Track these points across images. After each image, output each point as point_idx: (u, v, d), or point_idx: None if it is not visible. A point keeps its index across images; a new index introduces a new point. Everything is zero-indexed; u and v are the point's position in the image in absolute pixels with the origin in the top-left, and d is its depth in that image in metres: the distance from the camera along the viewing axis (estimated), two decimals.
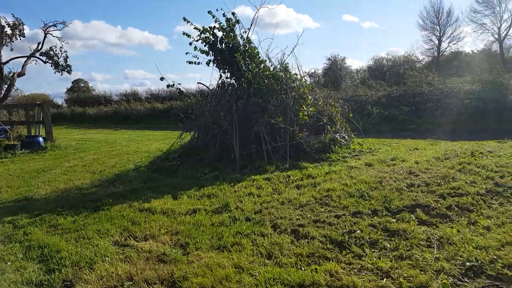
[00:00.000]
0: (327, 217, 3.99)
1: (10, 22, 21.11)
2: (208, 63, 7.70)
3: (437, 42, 39.40)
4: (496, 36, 37.34)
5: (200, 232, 3.89)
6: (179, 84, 7.58)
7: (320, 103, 8.30)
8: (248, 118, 6.92)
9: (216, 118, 7.26)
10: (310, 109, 7.62)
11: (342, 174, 5.73)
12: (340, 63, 41.29)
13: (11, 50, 23.25)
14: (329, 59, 41.67)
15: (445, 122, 12.32)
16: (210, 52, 7.62)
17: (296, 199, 4.72)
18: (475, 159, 6.01)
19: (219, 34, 7.53)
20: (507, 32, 36.17)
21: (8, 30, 21.17)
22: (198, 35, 7.48)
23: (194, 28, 7.48)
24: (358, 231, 3.58)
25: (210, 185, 5.83)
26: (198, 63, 7.67)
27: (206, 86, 8.25)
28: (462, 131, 11.24)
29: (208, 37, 7.51)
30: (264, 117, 6.85)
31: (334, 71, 39.85)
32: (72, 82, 57.61)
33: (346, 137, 7.77)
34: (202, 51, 7.59)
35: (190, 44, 7.49)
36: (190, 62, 7.65)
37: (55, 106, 41.36)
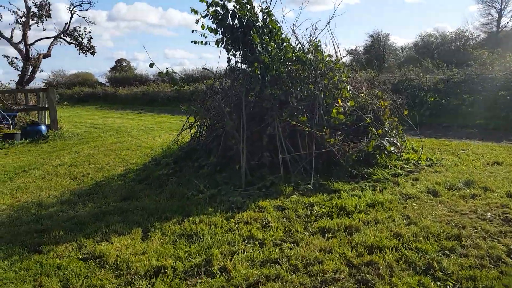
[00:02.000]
0: None
1: (37, 2, 20.43)
2: (217, 43, 6.04)
3: (496, 15, 34.92)
4: None
5: None
6: (168, 67, 5.94)
7: (362, 94, 6.40)
8: (261, 117, 5.23)
9: (218, 115, 5.63)
10: (348, 103, 5.76)
11: (393, 211, 3.92)
12: (383, 40, 37.95)
13: (43, 31, 22.72)
14: (371, 35, 38.49)
15: None
16: (219, 29, 5.94)
17: (318, 263, 3.02)
18: None
19: (231, 7, 5.83)
20: None
21: (35, 11, 20.52)
22: (206, 9, 5.82)
23: (200, 1, 5.81)
24: None
25: (199, 213, 4.27)
26: (206, 43, 6.02)
27: (212, 72, 6.61)
28: None
29: (216, 10, 5.83)
30: (282, 115, 5.10)
31: (377, 49, 36.67)
32: (115, 62, 58.27)
33: (397, 142, 5.84)
34: (210, 29, 5.94)
35: (197, 22, 5.86)
36: (195, 42, 6.03)
37: (92, 85, 41.67)
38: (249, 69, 5.63)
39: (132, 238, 3.76)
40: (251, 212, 4.21)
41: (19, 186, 5.78)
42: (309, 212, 4.09)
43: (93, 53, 22.55)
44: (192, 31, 5.98)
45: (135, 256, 3.34)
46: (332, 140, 5.16)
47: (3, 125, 9.94)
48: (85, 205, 4.81)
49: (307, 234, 3.58)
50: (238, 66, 5.91)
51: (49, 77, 24.22)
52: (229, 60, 5.97)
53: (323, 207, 4.18)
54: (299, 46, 6.03)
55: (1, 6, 19.13)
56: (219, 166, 5.35)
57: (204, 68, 7.09)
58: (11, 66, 18.74)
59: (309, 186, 4.70)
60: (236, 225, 3.89)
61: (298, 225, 3.78)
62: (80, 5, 21.73)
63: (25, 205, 4.86)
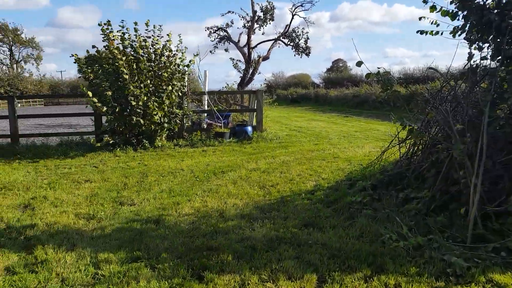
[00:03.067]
0: None
1: (263, 6, 22.64)
2: (454, 33, 4.57)
3: None
4: None
5: None
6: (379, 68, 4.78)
7: None
8: None
9: (443, 132, 4.14)
10: None
11: None
12: None
13: (262, 34, 25.31)
14: None
15: None
16: (459, 12, 4.47)
17: None
18: None
19: None
20: None
21: (260, 15, 22.85)
22: None
23: None
24: None
25: (395, 271, 3.11)
26: (436, 32, 4.68)
27: (439, 72, 5.08)
28: None
29: None
30: None
31: None
32: (332, 62, 60.55)
33: None
34: (445, 12, 4.56)
35: (425, 1, 4.63)
36: (421, 32, 4.81)
37: (306, 86, 44.27)
38: (503, 68, 3.92)
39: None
40: None
41: (211, 188, 5.91)
42: None
43: (308, 54, 23.35)
44: (420, 18, 4.72)
45: None
46: None
47: (215, 124, 11.04)
48: (263, 224, 4.34)
49: None
50: (484, 64, 4.26)
51: (265, 79, 26.58)
52: (470, 56, 4.37)
53: None
54: None
55: (232, 12, 21.67)
56: (434, 204, 3.93)
57: (430, 68, 5.64)
58: (235, 68, 21.40)
59: None
60: None
61: None
62: (301, 5, 22.85)
63: (209, 213, 4.79)
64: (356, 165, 6.92)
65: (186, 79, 10.34)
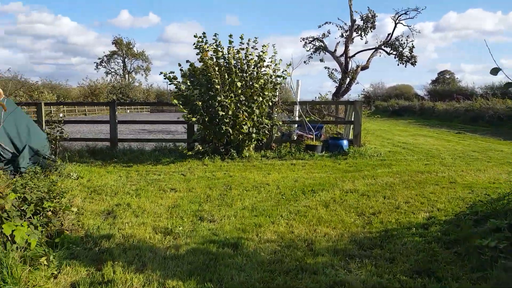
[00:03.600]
0: None
1: (364, 15, 21.47)
2: None
3: None
4: None
5: None
6: None
7: None
8: None
9: None
10: None
11: None
12: None
13: (365, 43, 23.91)
14: None
15: None
16: None
17: None
18: None
19: None
20: None
21: (360, 23, 21.68)
22: None
23: None
24: None
25: None
26: None
27: None
28: None
29: None
30: None
31: None
32: (438, 74, 55.99)
33: None
34: None
35: None
36: None
37: (409, 98, 41.19)
38: None
39: None
40: None
41: (299, 210, 5.23)
42: None
43: (413, 64, 21.43)
44: None
45: None
46: None
47: (306, 136, 10.32)
48: (362, 264, 3.52)
49: None
50: None
51: (363, 89, 24.99)
52: None
53: None
54: None
55: (330, 22, 20.87)
56: None
57: None
58: (330, 78, 20.45)
59: None
60: None
61: None
62: (405, 13, 21.11)
63: (294, 242, 4.12)
64: (480, 195, 5.61)
65: (277, 90, 9.89)
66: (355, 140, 10.19)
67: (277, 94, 9.97)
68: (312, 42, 22.18)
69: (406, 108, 36.48)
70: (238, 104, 8.95)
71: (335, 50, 20.98)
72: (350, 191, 6.21)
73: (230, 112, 8.66)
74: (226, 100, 8.68)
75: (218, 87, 8.64)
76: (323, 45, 21.93)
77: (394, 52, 21.27)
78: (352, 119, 10.39)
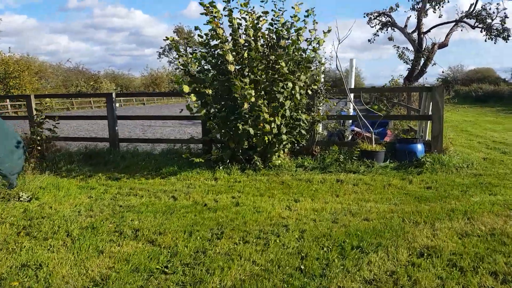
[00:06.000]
0: None
1: None
2: None
3: None
4: None
5: None
6: None
7: None
8: None
9: None
10: None
11: None
12: None
13: (439, 17, 19.92)
14: None
15: None
16: None
17: None
18: None
19: None
20: None
21: None
22: None
23: None
24: None
25: None
26: None
27: None
28: None
29: None
30: None
31: None
32: None
33: None
34: None
35: None
36: None
37: (494, 82, 35.43)
38: None
39: None
40: None
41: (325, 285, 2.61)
42: None
43: (506, 38, 17.04)
44: None
45: None
46: None
47: (364, 135, 7.40)
48: None
49: None
50: None
51: (442, 71, 20.68)
52: None
53: None
54: None
55: None
56: None
57: None
58: (400, 59, 16.85)
59: None
60: None
61: None
62: None
63: None
64: None
65: (319, 70, 7.12)
66: (434, 143, 7.12)
67: (320, 79, 7.20)
68: (378, 18, 18.58)
69: (491, 93, 31.31)
70: (260, 94, 6.36)
71: (406, 25, 17.28)
72: (428, 253, 3.42)
73: (245, 106, 6.08)
74: (246, 89, 6.10)
75: (232, 68, 6.10)
76: (390, 20, 18.27)
77: (480, 25, 16.97)
78: (430, 113, 7.31)
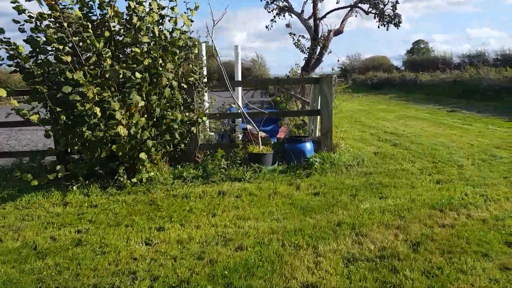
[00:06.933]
0: None
1: None
2: None
3: None
4: None
5: None
6: None
7: None
8: None
9: None
10: None
11: None
12: None
13: (337, 3, 20.13)
14: None
15: None
16: None
17: None
18: None
19: None
20: None
21: None
22: None
23: None
24: None
25: None
26: None
27: None
28: None
29: None
30: None
31: None
32: (412, 44, 53.59)
33: None
34: None
35: None
36: None
37: (387, 70, 38.07)
38: None
39: None
40: None
41: None
42: None
43: (397, 25, 17.66)
44: None
45: None
46: None
47: (255, 133, 6.59)
48: None
49: None
50: None
51: (338, 60, 21.17)
52: None
53: None
54: None
55: None
56: None
57: None
58: (297, 47, 16.59)
59: None
60: None
61: None
62: None
63: None
64: None
65: (198, 60, 6.18)
66: (323, 141, 6.66)
67: (200, 70, 6.26)
68: (274, 2, 18.07)
69: (385, 80, 33.50)
70: (105, 87, 5.12)
71: (302, 11, 17.04)
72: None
73: (87, 106, 4.82)
74: (82, 81, 4.82)
75: (65, 58, 4.78)
76: (287, 5, 17.89)
77: (374, 11, 17.43)
78: (319, 106, 6.83)
